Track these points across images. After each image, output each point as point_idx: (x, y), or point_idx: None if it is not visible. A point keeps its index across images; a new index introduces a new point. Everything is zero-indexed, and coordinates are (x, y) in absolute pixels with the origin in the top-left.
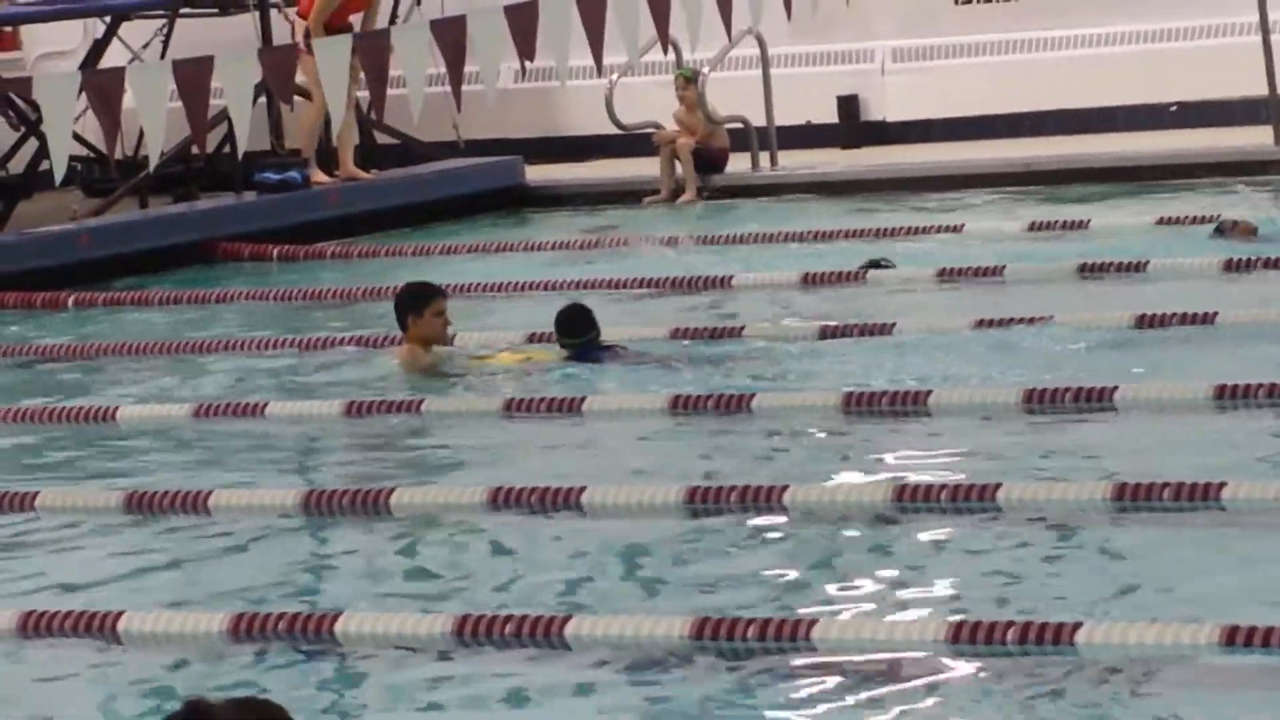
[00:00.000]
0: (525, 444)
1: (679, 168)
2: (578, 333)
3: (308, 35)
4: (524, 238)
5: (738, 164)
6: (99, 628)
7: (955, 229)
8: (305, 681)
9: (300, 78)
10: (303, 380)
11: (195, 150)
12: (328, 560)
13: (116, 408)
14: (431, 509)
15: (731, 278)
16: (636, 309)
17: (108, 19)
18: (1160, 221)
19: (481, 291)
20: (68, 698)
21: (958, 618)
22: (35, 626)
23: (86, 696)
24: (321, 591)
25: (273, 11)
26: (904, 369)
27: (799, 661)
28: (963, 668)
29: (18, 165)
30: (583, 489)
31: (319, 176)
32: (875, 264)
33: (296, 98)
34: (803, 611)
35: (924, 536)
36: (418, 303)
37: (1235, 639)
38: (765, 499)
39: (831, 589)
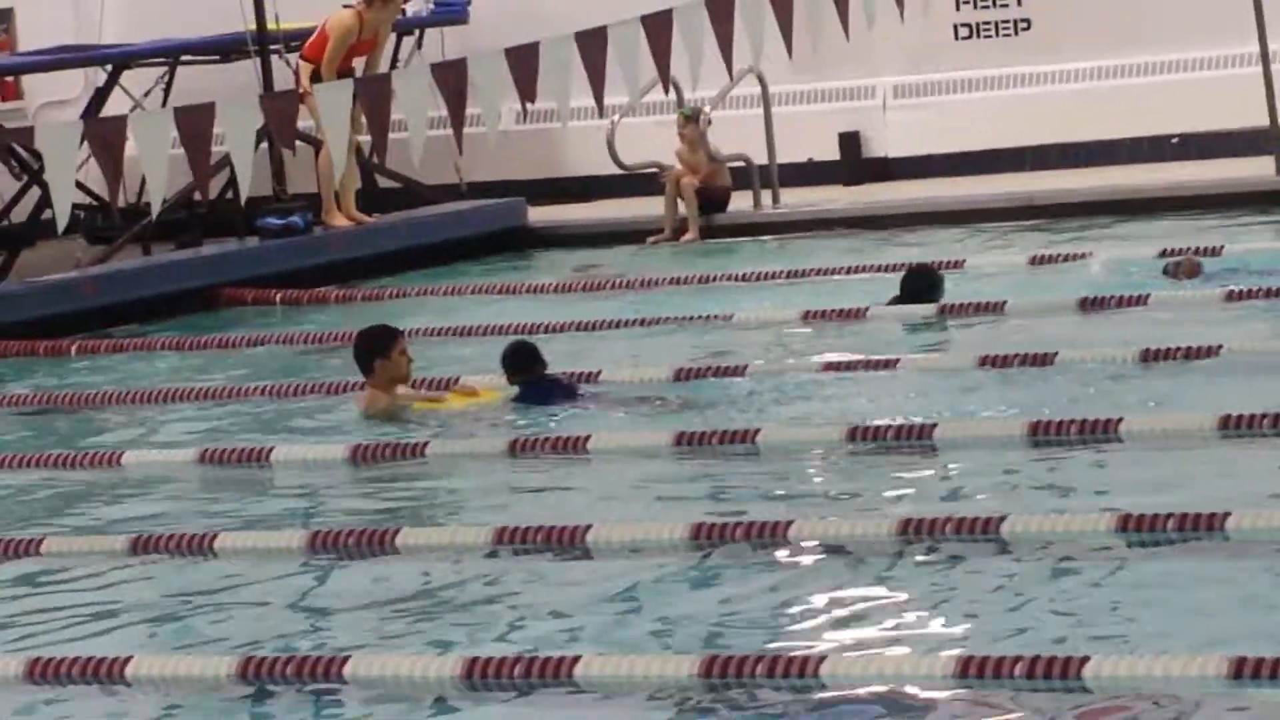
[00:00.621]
0: (530, 483)
1: (682, 207)
2: (523, 368)
3: (313, 78)
4: (527, 279)
5: (740, 202)
6: (107, 673)
7: (957, 264)
8: None
9: (307, 122)
10: (307, 424)
11: (198, 196)
12: (335, 602)
13: (121, 453)
14: (438, 549)
15: (733, 315)
16: (639, 348)
17: (109, 67)
18: (1163, 254)
19: (485, 334)
20: None
21: (966, 652)
22: (43, 673)
23: None
24: (329, 633)
25: (273, 57)
26: (908, 403)
27: (809, 698)
28: (971, 702)
29: (21, 214)
30: (588, 527)
31: (338, 220)
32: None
33: (302, 144)
34: (812, 648)
35: (931, 570)
36: (384, 344)
37: (1243, 671)
38: (771, 534)
39: (840, 624)
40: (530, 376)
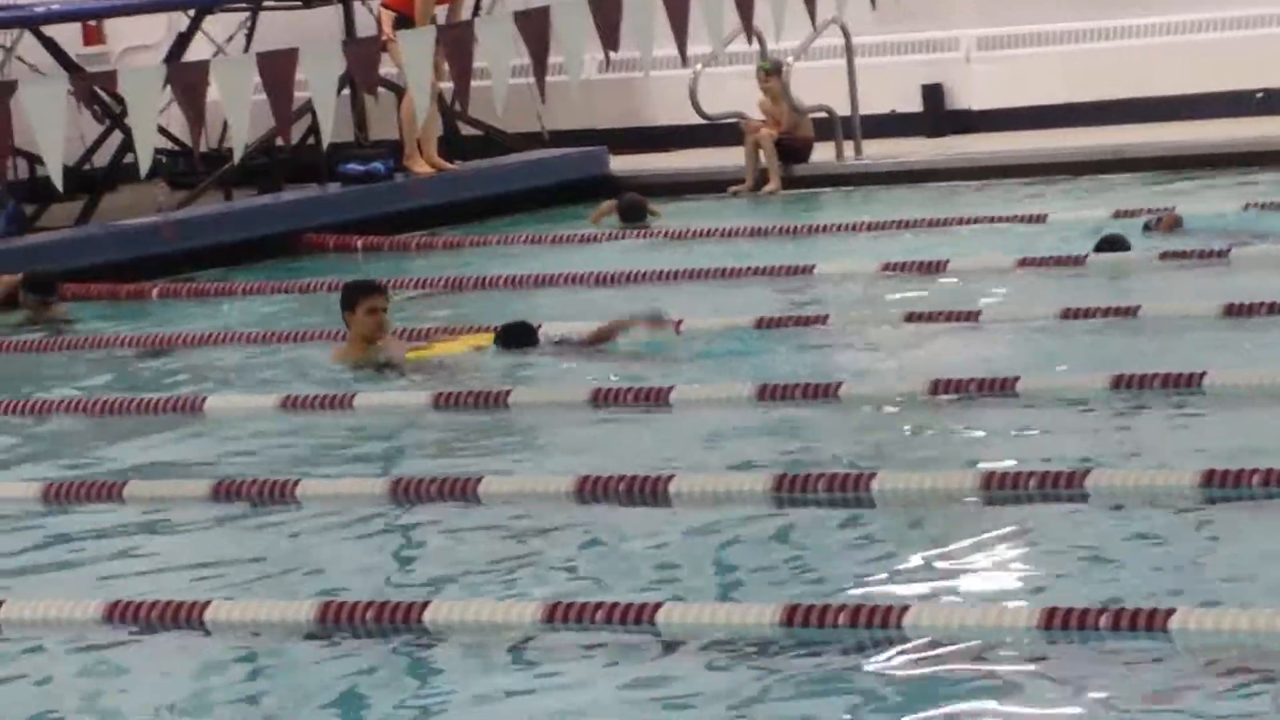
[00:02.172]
0: (611, 433)
1: (763, 157)
2: (516, 344)
3: (396, 25)
4: (609, 228)
5: (823, 153)
6: (186, 617)
7: (1039, 218)
8: (393, 670)
9: (389, 68)
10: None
11: (280, 142)
12: (416, 548)
13: (204, 398)
14: (519, 498)
15: (814, 266)
16: (721, 298)
17: (191, 12)
18: (1247, 207)
19: (566, 283)
20: (155, 687)
21: (1049, 604)
22: (122, 616)
23: (173, 686)
24: (409, 579)
25: (356, 3)
26: (991, 356)
27: (890, 648)
28: (1055, 654)
29: (103, 158)
30: (671, 477)
31: (420, 166)
32: (1112, 243)
33: (383, 90)
34: (893, 598)
35: (1014, 523)
36: (352, 299)
37: None
38: (853, 486)
39: (922, 576)
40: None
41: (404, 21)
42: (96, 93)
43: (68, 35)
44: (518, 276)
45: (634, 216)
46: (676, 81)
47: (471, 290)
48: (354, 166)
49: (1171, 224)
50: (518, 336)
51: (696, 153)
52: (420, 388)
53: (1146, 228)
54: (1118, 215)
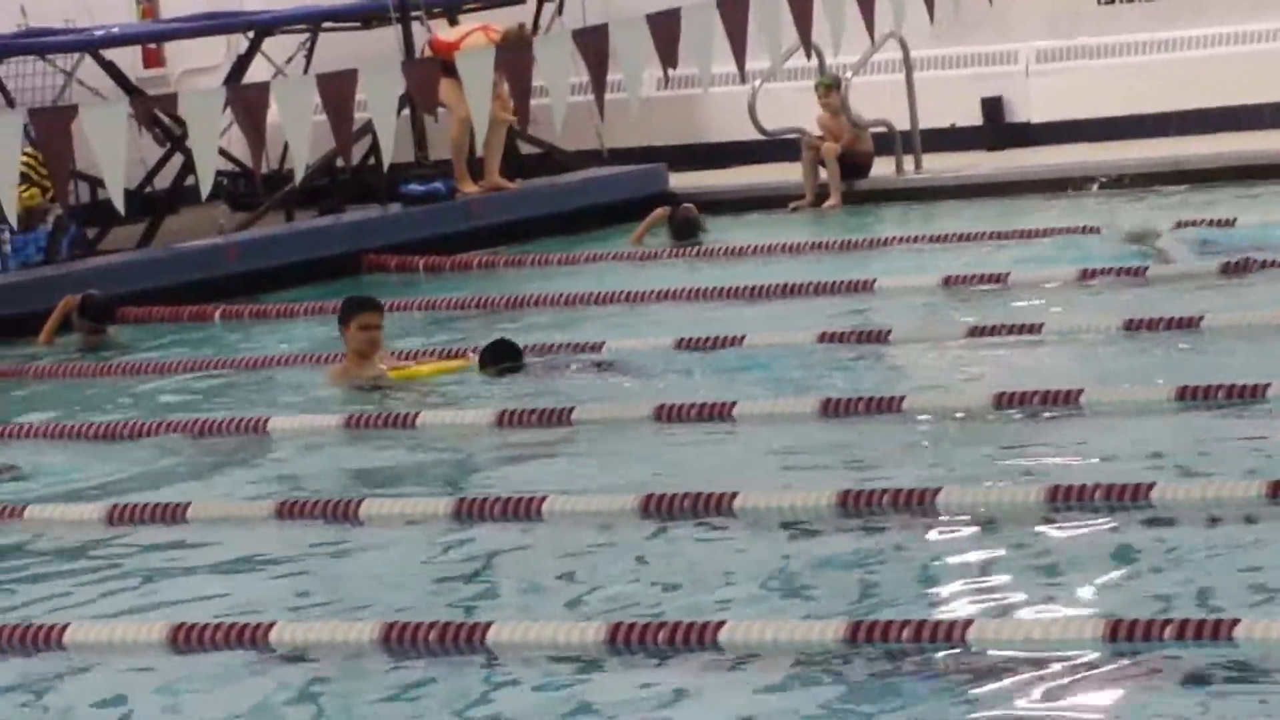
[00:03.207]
0: (675, 450)
1: (823, 173)
2: (500, 362)
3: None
4: (668, 245)
5: (882, 168)
6: (250, 638)
7: (1099, 230)
8: (456, 691)
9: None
10: (450, 389)
11: (340, 163)
12: (479, 568)
13: (267, 419)
14: (583, 517)
15: (875, 281)
16: (781, 314)
17: (251, 34)
18: (1180, 224)
19: (627, 300)
20: (219, 709)
21: (1114, 616)
22: (186, 639)
23: (238, 707)
24: (473, 600)
25: (415, 24)
26: (1054, 369)
27: (955, 663)
28: (1120, 666)
29: (164, 181)
30: (735, 494)
31: (468, 186)
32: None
33: (443, 110)
34: (958, 612)
35: (1078, 535)
36: (346, 315)
37: None
38: (918, 500)
39: (986, 589)
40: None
41: (450, 69)
42: (157, 115)
43: (128, 59)
44: (579, 294)
45: (687, 234)
46: (735, 98)
47: (532, 308)
48: (414, 187)
49: (1155, 238)
50: (501, 354)
51: (755, 169)
52: (485, 405)
53: (1129, 239)
54: (1179, 226)
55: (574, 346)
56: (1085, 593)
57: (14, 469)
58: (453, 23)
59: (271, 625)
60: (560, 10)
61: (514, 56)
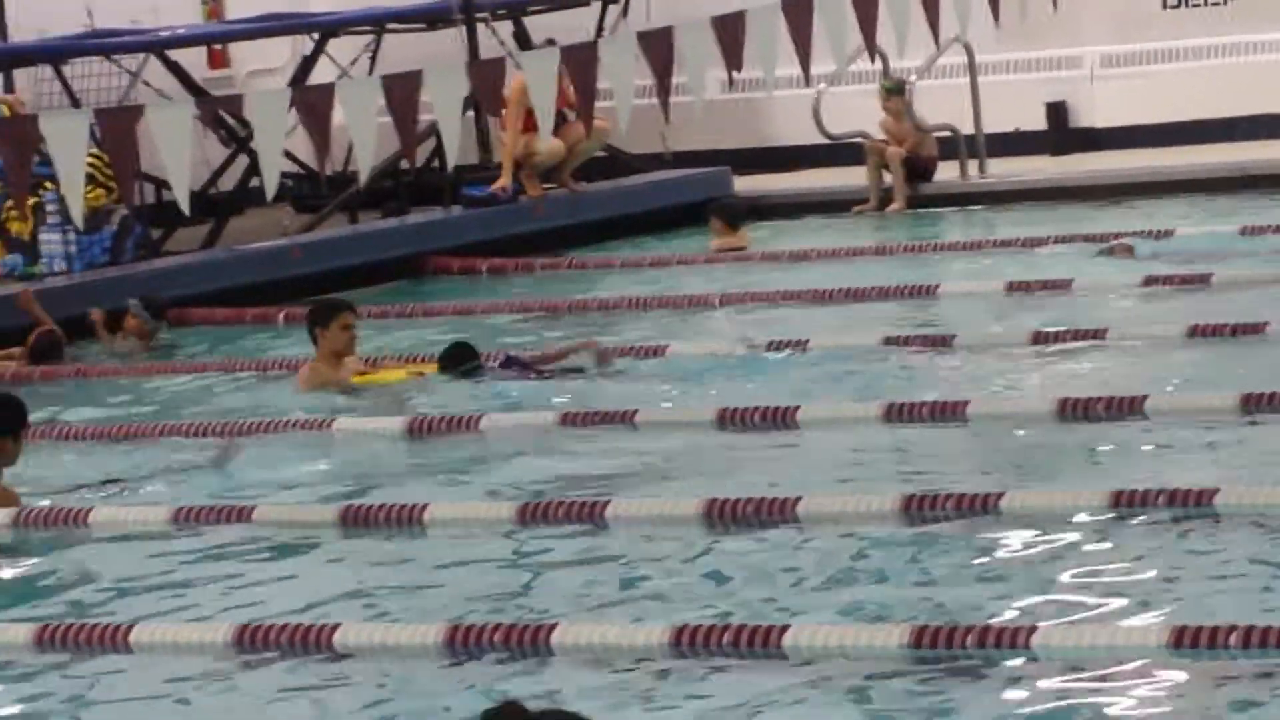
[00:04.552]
0: (738, 454)
1: (887, 176)
2: (460, 364)
3: None
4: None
5: (947, 172)
6: (315, 640)
7: (1166, 234)
8: (520, 693)
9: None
10: (513, 392)
11: (405, 165)
12: (543, 571)
13: (331, 420)
14: (645, 521)
15: (939, 286)
16: (845, 317)
17: (316, 35)
18: (1145, 234)
19: (690, 304)
20: (284, 710)
21: (1179, 622)
22: (252, 640)
23: (303, 709)
24: (536, 603)
25: (479, 25)
26: (1117, 375)
27: (1019, 668)
28: (1185, 672)
29: (229, 182)
30: (798, 499)
31: (533, 190)
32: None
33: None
34: (1022, 618)
35: (1142, 542)
36: (326, 315)
37: None
38: (981, 506)
39: (1050, 595)
40: (464, 367)
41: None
42: (222, 117)
43: (193, 60)
44: (642, 298)
45: (735, 221)
46: (800, 101)
47: (595, 311)
48: (478, 189)
49: (1126, 251)
50: (459, 358)
51: (819, 172)
52: (548, 409)
53: (1108, 251)
54: (1244, 232)
55: (638, 350)
56: (1149, 599)
57: (120, 481)
58: (517, 24)
59: (336, 627)
60: (625, 13)
61: (579, 58)
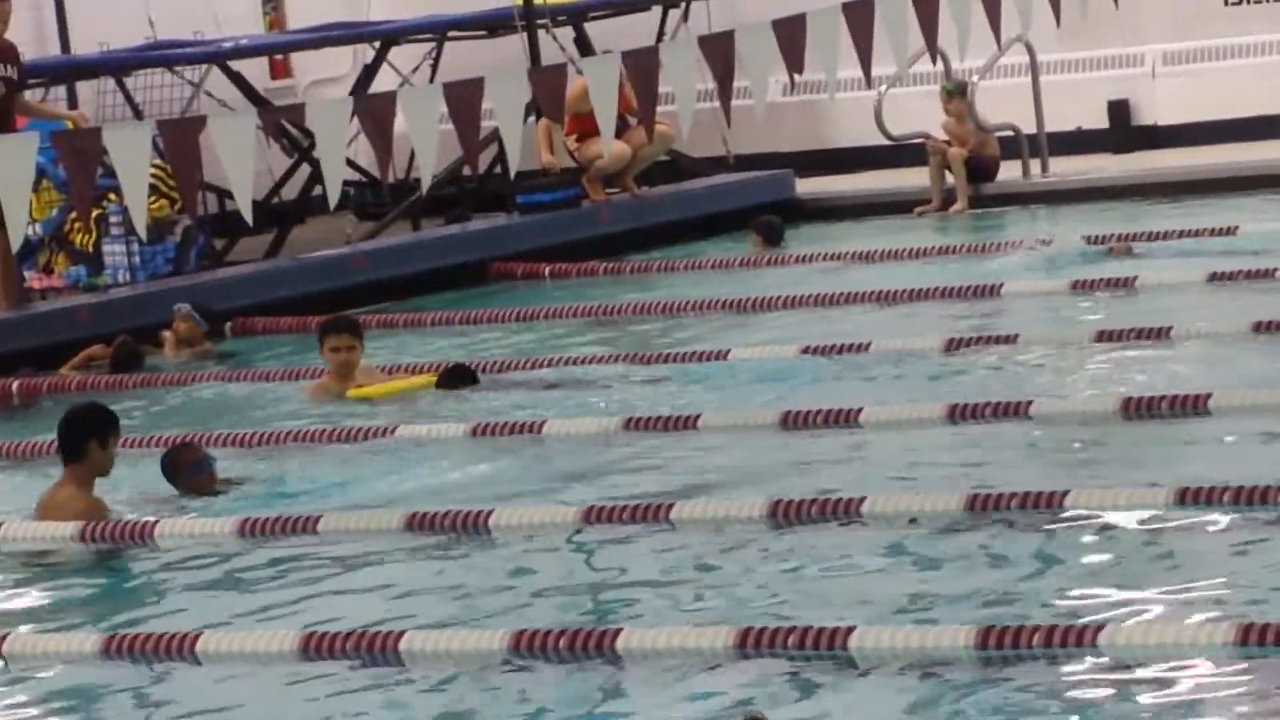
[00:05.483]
0: (802, 456)
1: (950, 177)
2: (460, 384)
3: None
4: (796, 250)
5: (1009, 171)
6: (381, 648)
7: (1230, 231)
8: (586, 698)
9: None
10: (577, 395)
11: (467, 171)
12: (608, 575)
13: (395, 427)
14: (709, 524)
15: (1002, 285)
16: (908, 319)
17: (377, 44)
18: (1092, 240)
19: (753, 308)
20: (351, 717)
21: (1245, 619)
22: (317, 648)
23: (369, 717)
24: (602, 607)
25: (540, 32)
26: (1182, 373)
27: (1086, 667)
28: (1251, 670)
29: (291, 191)
30: (863, 499)
31: (596, 194)
32: None
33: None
34: (1088, 617)
35: (1208, 539)
36: (319, 337)
37: None
38: (1046, 504)
39: (1116, 594)
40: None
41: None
42: (284, 126)
43: (255, 70)
44: (704, 301)
45: (775, 239)
46: (861, 103)
47: (658, 315)
48: (540, 194)
49: (1124, 249)
50: (459, 378)
51: (881, 174)
52: (609, 413)
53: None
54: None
55: (702, 355)
56: (1215, 596)
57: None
58: (578, 30)
59: (401, 635)
60: (685, 17)
61: (640, 62)
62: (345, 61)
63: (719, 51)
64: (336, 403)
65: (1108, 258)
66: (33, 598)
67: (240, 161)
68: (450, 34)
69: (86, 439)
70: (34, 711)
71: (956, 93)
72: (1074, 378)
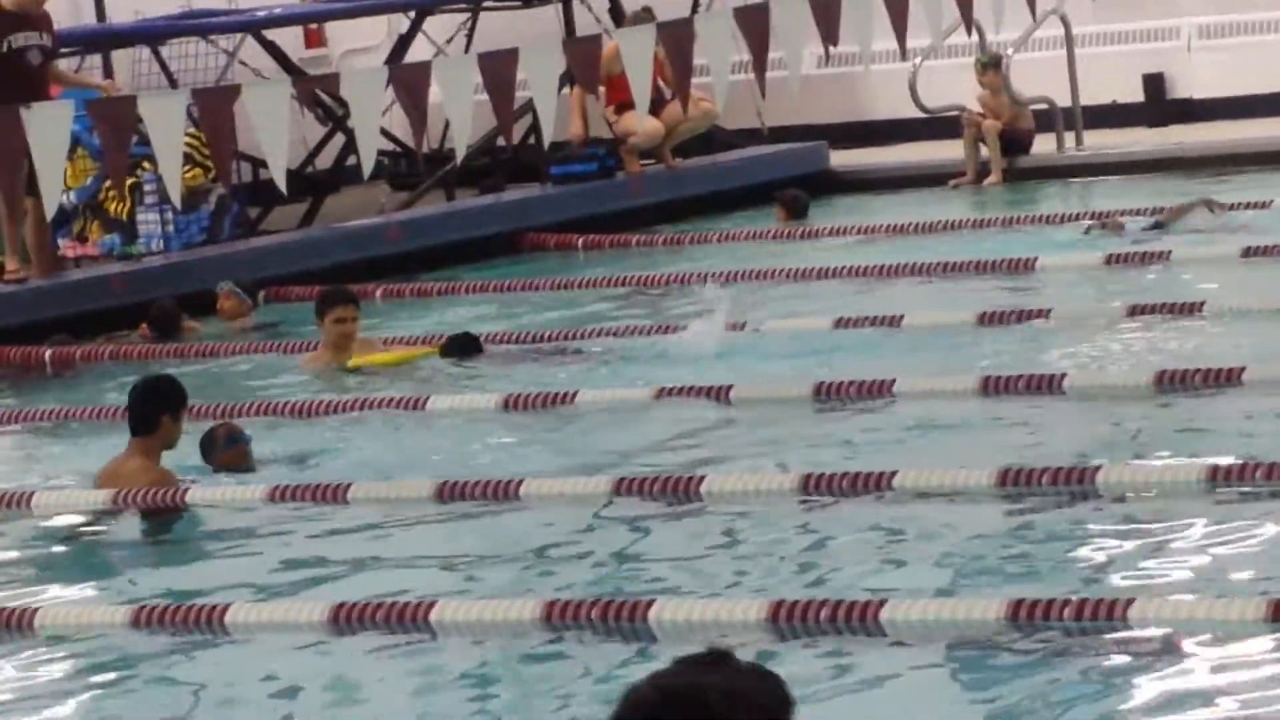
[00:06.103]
0: (834, 428)
1: (984, 150)
2: (465, 353)
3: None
4: (829, 223)
5: (1043, 145)
6: (411, 618)
7: (1265, 205)
8: (616, 669)
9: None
10: (609, 368)
11: (501, 142)
12: (640, 547)
13: (427, 398)
14: (740, 496)
15: (1036, 259)
16: (941, 292)
17: (412, 13)
18: (1089, 231)
19: (788, 278)
20: (381, 689)
21: (1277, 596)
22: (347, 619)
23: (399, 687)
24: (633, 579)
25: (575, 3)
26: (1216, 347)
27: (1116, 643)
28: None
29: (325, 160)
30: (894, 473)
31: (632, 166)
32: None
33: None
34: (1119, 592)
35: (1240, 515)
36: (320, 308)
37: None
38: (1078, 479)
39: (1147, 569)
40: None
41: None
42: (319, 95)
43: (289, 39)
44: (738, 272)
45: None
46: (896, 75)
47: (690, 286)
48: (575, 165)
49: (1116, 226)
50: (463, 347)
51: (916, 146)
52: (642, 384)
53: (1099, 228)
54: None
55: (730, 325)
56: (1247, 573)
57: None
58: (613, 1)
59: (433, 604)
60: None
61: (674, 34)
62: (380, 31)
63: (754, 23)
64: (338, 374)
65: (1098, 234)
66: (62, 569)
67: (274, 130)
68: (485, 4)
69: (160, 412)
70: (66, 685)
71: (991, 65)
72: (1108, 352)
